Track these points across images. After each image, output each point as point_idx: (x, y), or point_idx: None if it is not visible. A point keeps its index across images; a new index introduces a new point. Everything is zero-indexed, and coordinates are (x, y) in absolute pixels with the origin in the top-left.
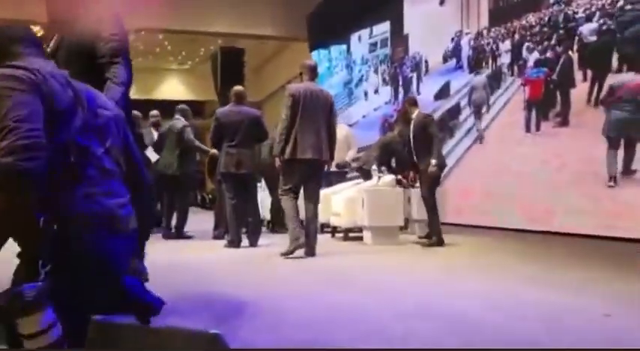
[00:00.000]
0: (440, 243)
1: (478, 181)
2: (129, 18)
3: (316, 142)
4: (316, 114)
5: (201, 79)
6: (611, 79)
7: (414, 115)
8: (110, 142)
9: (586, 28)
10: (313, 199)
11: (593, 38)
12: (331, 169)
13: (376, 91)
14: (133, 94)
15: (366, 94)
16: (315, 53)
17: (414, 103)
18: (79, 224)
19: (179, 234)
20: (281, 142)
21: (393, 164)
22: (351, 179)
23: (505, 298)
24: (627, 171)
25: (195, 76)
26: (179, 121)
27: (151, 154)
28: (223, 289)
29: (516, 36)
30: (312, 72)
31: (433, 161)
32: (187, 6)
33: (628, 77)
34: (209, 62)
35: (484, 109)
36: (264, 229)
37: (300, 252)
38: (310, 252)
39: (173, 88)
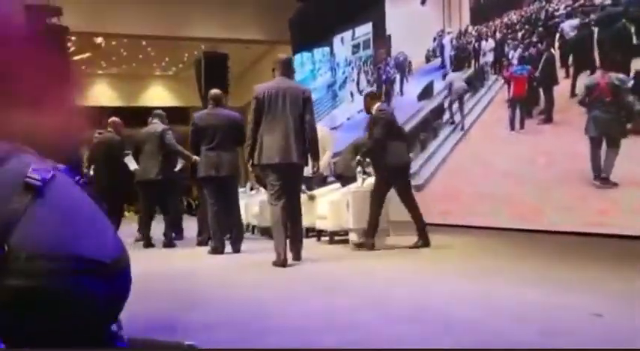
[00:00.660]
0: (426, 244)
1: (464, 181)
2: (112, 24)
3: (284, 146)
4: (284, 114)
5: (186, 85)
6: (585, 79)
7: (373, 110)
8: None
9: (567, 25)
10: (292, 204)
11: (574, 34)
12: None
13: (360, 93)
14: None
15: (352, 95)
16: (298, 56)
17: (375, 97)
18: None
19: (169, 242)
20: (247, 148)
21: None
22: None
23: (498, 298)
24: (606, 174)
25: (179, 82)
26: (158, 125)
27: (130, 163)
28: (208, 297)
29: (498, 34)
30: (284, 67)
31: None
32: (169, 12)
33: (599, 76)
34: (193, 68)
35: (466, 97)
36: (249, 234)
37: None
38: (296, 256)
39: (158, 95)
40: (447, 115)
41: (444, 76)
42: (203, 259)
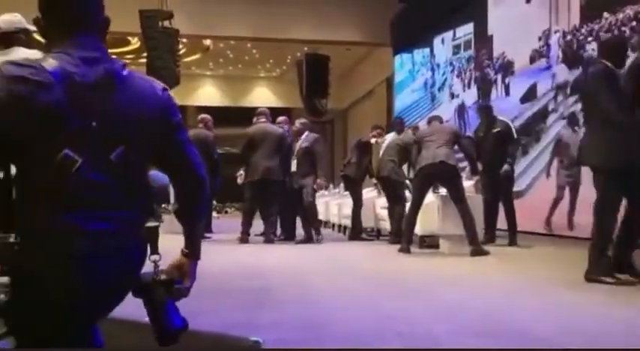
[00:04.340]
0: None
1: (567, 190)
2: (219, 27)
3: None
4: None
5: (288, 87)
6: None
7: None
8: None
9: None
10: None
11: None
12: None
13: (452, 97)
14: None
15: (452, 96)
16: (397, 57)
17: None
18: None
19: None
20: None
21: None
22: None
23: (580, 316)
24: None
25: (283, 84)
26: (276, 127)
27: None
28: (281, 296)
29: (614, 31)
30: None
31: None
32: (274, 14)
33: None
34: (295, 70)
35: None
36: (340, 235)
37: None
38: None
39: (262, 96)
40: (551, 119)
41: (553, 76)
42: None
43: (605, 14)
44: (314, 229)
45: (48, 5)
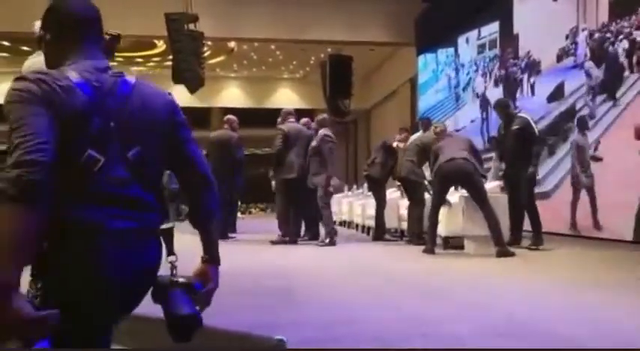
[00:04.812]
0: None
1: (596, 190)
2: (243, 29)
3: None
4: None
5: (312, 88)
6: None
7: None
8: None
9: None
10: None
11: None
12: None
13: (477, 96)
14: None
15: (477, 96)
16: (421, 57)
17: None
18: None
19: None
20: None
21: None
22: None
23: (606, 318)
24: None
25: (306, 85)
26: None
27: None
28: (304, 296)
29: None
30: None
31: None
32: (297, 16)
33: None
34: (319, 71)
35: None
36: (364, 235)
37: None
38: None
39: (286, 97)
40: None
41: (588, 74)
42: (313, 258)
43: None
44: (327, 232)
45: (62, 22)
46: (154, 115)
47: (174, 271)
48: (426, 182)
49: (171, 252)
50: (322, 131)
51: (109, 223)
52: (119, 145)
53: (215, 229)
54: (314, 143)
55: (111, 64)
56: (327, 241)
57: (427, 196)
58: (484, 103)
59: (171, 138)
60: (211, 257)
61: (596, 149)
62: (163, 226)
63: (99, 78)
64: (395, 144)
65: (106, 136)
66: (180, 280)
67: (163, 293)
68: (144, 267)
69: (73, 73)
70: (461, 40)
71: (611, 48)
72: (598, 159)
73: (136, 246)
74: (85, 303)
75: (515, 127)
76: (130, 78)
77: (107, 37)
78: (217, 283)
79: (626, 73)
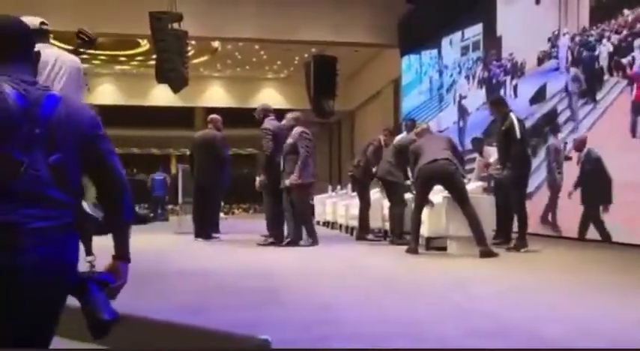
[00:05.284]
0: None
1: (577, 191)
2: (227, 29)
3: None
4: None
5: (296, 88)
6: None
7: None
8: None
9: None
10: None
11: None
12: None
13: (460, 98)
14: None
15: (460, 97)
16: (405, 59)
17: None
18: None
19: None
20: None
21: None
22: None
23: (593, 318)
24: None
25: (290, 85)
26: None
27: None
28: (287, 296)
29: (623, 32)
30: None
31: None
32: (282, 16)
33: None
34: (303, 71)
35: (583, 101)
36: (348, 235)
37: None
38: None
39: (269, 97)
40: (560, 120)
41: (574, 79)
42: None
43: (626, 11)
44: (307, 232)
45: None
46: (77, 127)
47: (93, 270)
48: (408, 182)
49: (89, 252)
50: (299, 128)
51: (29, 222)
52: (42, 150)
53: (128, 231)
54: (290, 141)
55: (94, 63)
56: (304, 242)
57: (409, 196)
58: (461, 110)
59: (92, 149)
60: (123, 255)
61: (564, 149)
62: (83, 227)
63: (27, 89)
64: (382, 139)
65: (31, 142)
66: (97, 276)
67: (82, 290)
68: (64, 264)
69: (5, 85)
70: (444, 41)
71: (591, 52)
72: (568, 158)
73: (56, 244)
74: (5, 303)
75: (502, 127)
76: (56, 93)
77: (79, 40)
78: (126, 279)
79: (606, 76)
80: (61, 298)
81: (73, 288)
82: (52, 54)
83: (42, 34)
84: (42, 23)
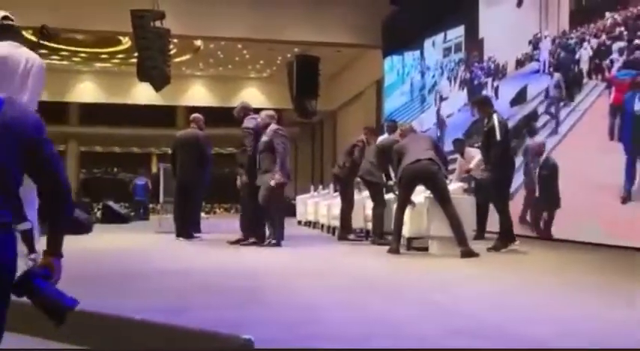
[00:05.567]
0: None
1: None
2: (210, 28)
3: None
4: None
5: (279, 87)
6: None
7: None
8: None
9: None
10: None
11: None
12: None
13: (441, 99)
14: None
15: (442, 98)
16: (388, 59)
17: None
18: None
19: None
20: None
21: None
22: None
23: (574, 318)
24: None
25: (273, 85)
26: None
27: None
28: (270, 295)
29: (602, 36)
30: None
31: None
32: (265, 15)
33: None
34: (285, 71)
35: (561, 104)
36: (329, 235)
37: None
38: None
39: (252, 96)
40: (540, 122)
41: (557, 85)
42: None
43: (607, 14)
44: (274, 232)
45: None
46: (21, 130)
47: (34, 266)
48: (391, 182)
49: (32, 250)
50: (274, 125)
51: None
52: None
53: (63, 229)
54: (265, 138)
55: (75, 60)
56: (272, 241)
57: (391, 196)
58: (440, 122)
59: (36, 152)
60: (56, 251)
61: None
62: (23, 228)
63: None
64: (364, 139)
65: None
66: (39, 271)
67: (29, 286)
68: (3, 262)
69: None
70: (427, 43)
71: (571, 55)
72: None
73: None
74: None
75: (485, 128)
76: (0, 95)
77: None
78: (60, 275)
79: (585, 79)
80: (2, 296)
81: (16, 286)
82: (23, 54)
83: (6, 30)
84: (4, 17)
